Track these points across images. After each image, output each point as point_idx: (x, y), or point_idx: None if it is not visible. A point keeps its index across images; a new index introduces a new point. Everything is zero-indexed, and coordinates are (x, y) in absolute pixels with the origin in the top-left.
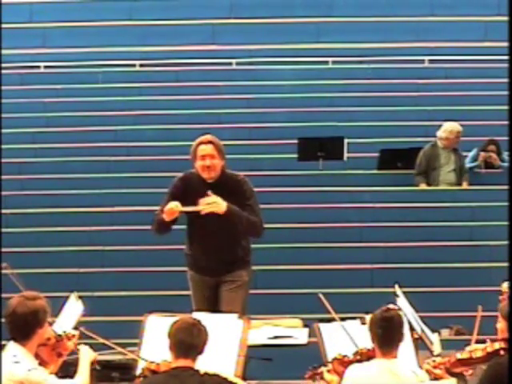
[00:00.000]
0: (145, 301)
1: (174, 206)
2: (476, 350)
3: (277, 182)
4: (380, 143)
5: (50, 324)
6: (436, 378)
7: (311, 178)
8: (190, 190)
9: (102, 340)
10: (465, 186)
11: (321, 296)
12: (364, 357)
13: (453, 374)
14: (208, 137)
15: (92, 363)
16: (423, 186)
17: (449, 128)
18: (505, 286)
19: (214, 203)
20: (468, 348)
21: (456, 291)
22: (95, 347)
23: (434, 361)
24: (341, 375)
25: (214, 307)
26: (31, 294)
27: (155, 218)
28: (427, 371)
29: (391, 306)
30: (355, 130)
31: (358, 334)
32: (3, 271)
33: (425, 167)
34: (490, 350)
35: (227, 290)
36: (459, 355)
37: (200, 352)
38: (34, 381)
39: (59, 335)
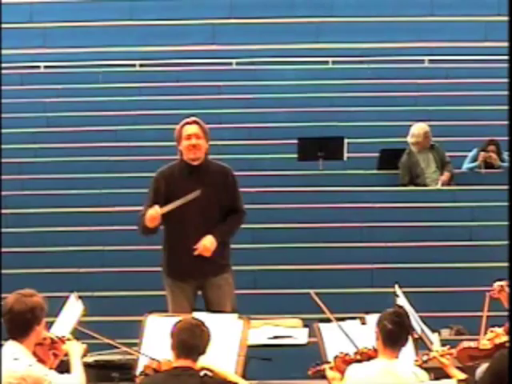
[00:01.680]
0: (145, 301)
1: (154, 212)
2: (483, 343)
3: (277, 182)
4: (380, 143)
5: (51, 324)
6: (437, 378)
7: (311, 178)
8: (172, 180)
9: (104, 340)
10: (445, 177)
11: (312, 294)
12: (364, 357)
13: (460, 369)
14: (193, 118)
15: (84, 355)
16: None
17: (416, 132)
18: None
19: (205, 250)
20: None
21: (456, 291)
22: (95, 347)
23: (442, 350)
24: (343, 373)
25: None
26: (27, 292)
27: (140, 219)
28: (434, 358)
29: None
30: (355, 130)
31: (358, 334)
32: None
33: (408, 178)
34: (497, 341)
35: (215, 295)
36: (467, 343)
37: (202, 353)
38: (34, 376)
39: (54, 339)
